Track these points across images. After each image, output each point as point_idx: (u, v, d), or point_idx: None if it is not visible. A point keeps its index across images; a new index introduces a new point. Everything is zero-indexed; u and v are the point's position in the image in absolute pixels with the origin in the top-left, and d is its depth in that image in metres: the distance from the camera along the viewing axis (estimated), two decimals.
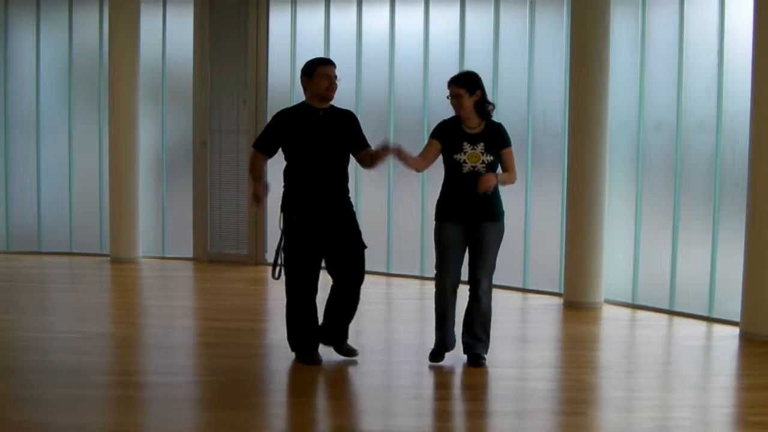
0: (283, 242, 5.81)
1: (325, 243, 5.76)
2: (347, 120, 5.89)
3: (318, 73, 5.75)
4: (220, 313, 7.40)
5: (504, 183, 5.81)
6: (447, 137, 5.78)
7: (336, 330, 5.91)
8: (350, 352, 5.92)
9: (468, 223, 5.76)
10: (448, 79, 5.83)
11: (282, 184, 5.87)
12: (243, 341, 6.46)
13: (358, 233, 5.86)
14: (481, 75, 5.84)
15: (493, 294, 5.87)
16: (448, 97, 5.79)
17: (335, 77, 5.79)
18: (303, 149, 5.75)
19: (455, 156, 5.73)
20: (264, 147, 5.87)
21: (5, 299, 8.02)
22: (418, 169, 6.03)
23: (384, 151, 5.76)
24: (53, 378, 5.55)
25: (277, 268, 5.82)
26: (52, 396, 5.22)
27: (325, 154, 5.75)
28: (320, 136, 5.74)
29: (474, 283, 5.81)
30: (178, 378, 5.64)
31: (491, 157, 5.72)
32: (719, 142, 7.21)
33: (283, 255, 5.82)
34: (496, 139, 5.77)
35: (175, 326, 7.00)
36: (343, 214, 5.82)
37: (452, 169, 5.77)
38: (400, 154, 5.77)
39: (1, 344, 6.38)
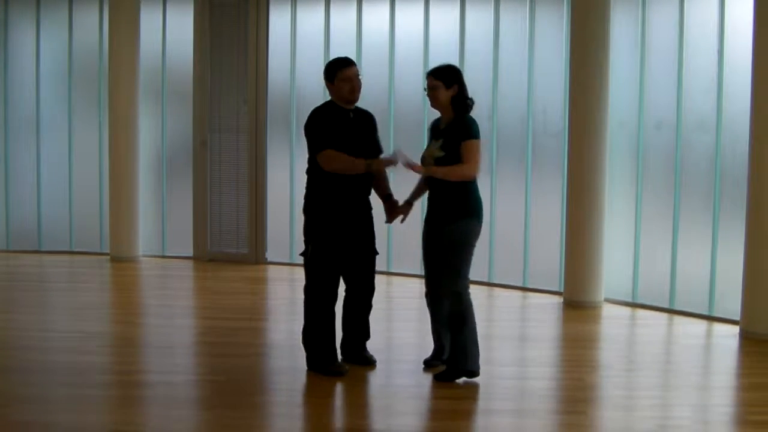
0: (310, 244, 5.64)
1: (347, 246, 5.66)
2: (370, 122, 5.81)
3: (339, 77, 5.62)
4: (220, 312, 7.40)
5: (438, 174, 5.43)
6: (430, 133, 5.73)
7: (355, 339, 5.85)
8: (369, 360, 5.84)
9: (431, 224, 5.62)
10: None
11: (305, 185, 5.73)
12: (243, 341, 6.46)
13: (374, 238, 5.80)
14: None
15: (470, 295, 5.55)
16: (424, 89, 5.63)
17: (357, 75, 5.67)
18: (336, 150, 5.54)
19: (423, 153, 5.67)
20: (329, 143, 5.54)
21: (5, 299, 8.02)
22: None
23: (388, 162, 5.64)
24: (54, 377, 5.55)
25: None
26: (52, 395, 5.23)
27: (356, 155, 5.57)
28: (353, 137, 5.60)
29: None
30: (178, 377, 5.64)
31: (442, 153, 5.44)
32: (719, 142, 7.21)
33: (302, 255, 5.71)
34: (457, 132, 5.46)
35: (175, 325, 7.01)
36: (366, 218, 5.75)
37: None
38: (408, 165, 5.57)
39: (2, 343, 6.38)
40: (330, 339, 5.66)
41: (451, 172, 5.43)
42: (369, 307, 5.86)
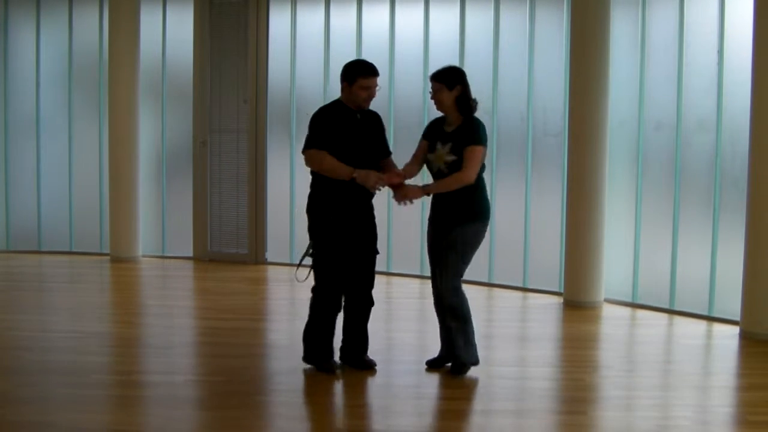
0: (312, 244, 5.65)
1: (351, 246, 5.63)
2: (377, 122, 5.77)
3: (359, 84, 5.52)
4: (220, 312, 7.40)
5: (437, 190, 5.49)
6: (430, 136, 5.65)
7: (354, 346, 5.80)
8: (369, 364, 5.79)
9: (437, 226, 5.60)
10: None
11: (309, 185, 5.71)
12: (243, 341, 6.46)
13: (376, 237, 5.78)
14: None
15: (465, 294, 5.63)
16: (429, 92, 5.62)
17: (377, 87, 5.60)
18: (342, 150, 5.51)
19: (428, 155, 5.60)
20: (322, 144, 5.51)
21: (5, 299, 8.01)
22: (412, 175, 5.72)
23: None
24: (53, 378, 5.56)
25: (307, 271, 5.70)
26: (52, 396, 5.23)
27: (362, 156, 5.56)
28: (358, 138, 5.58)
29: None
30: (178, 378, 5.64)
31: (453, 157, 5.44)
32: (719, 142, 7.21)
33: (310, 257, 5.68)
34: (465, 136, 5.44)
35: (175, 325, 7.01)
36: (369, 217, 5.73)
37: (428, 169, 5.68)
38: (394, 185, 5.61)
39: (1, 344, 6.38)
40: (329, 338, 5.71)
41: (449, 186, 5.45)
42: (368, 312, 5.82)
